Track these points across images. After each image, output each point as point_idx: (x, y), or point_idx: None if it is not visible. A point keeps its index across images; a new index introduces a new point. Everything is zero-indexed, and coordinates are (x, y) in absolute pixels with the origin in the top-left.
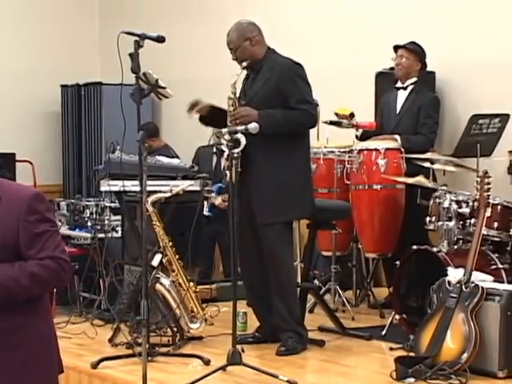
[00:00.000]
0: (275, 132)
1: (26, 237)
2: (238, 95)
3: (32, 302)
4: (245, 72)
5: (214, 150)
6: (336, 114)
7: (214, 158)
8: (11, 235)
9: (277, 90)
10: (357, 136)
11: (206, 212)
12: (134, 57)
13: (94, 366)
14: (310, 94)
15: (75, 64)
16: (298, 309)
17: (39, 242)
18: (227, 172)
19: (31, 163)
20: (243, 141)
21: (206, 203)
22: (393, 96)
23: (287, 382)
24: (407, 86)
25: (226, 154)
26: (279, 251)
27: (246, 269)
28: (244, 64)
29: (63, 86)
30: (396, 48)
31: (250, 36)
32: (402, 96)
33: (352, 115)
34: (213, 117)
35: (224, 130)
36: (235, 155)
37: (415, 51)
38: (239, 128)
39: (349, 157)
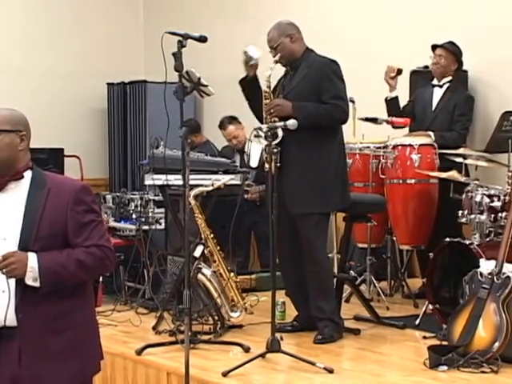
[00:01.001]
0: (307, 124)
1: (73, 226)
2: (275, 91)
3: (78, 288)
4: (281, 68)
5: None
6: (388, 67)
7: (238, 157)
8: (60, 224)
9: (313, 87)
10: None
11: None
12: (177, 56)
13: (139, 352)
14: (344, 91)
15: (121, 63)
16: (334, 298)
17: (86, 230)
18: (266, 165)
19: (79, 158)
20: (280, 133)
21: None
22: (428, 92)
23: (324, 369)
24: (443, 84)
25: (264, 147)
26: (315, 242)
27: (283, 259)
28: (276, 58)
29: (109, 84)
30: (434, 47)
31: (290, 33)
32: (437, 93)
33: (400, 72)
34: (252, 88)
35: (263, 126)
36: (274, 150)
37: (453, 51)
38: (278, 124)
39: (384, 152)
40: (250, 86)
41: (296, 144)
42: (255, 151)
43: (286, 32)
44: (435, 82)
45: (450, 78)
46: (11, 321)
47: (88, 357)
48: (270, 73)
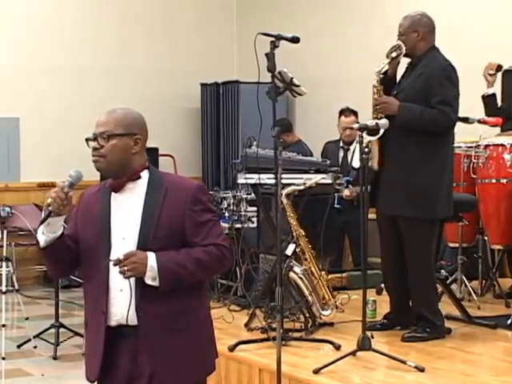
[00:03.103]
0: (409, 126)
1: (191, 225)
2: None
3: (195, 286)
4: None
5: (341, 144)
6: (489, 63)
7: (341, 153)
8: (177, 223)
9: (423, 88)
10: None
11: (335, 204)
12: (270, 56)
13: (231, 349)
14: (454, 97)
15: (214, 63)
16: (433, 298)
17: (204, 230)
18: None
19: (173, 157)
20: (381, 131)
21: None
22: None
23: (415, 367)
24: None
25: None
26: (417, 245)
27: (384, 257)
28: (393, 55)
29: (203, 85)
30: None
31: (419, 30)
32: None
33: (500, 68)
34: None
35: (355, 126)
36: (366, 150)
37: None
38: (369, 123)
39: (475, 152)
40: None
41: (400, 141)
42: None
43: (415, 27)
44: None
45: None
46: (132, 320)
47: (204, 355)
48: (382, 67)
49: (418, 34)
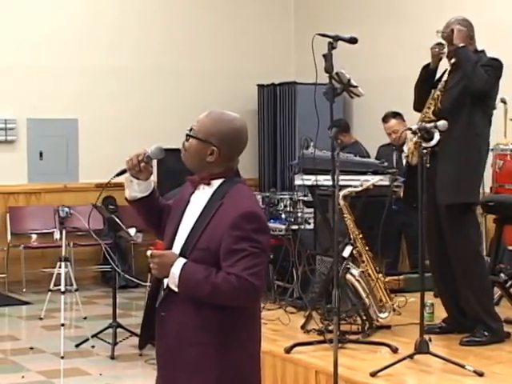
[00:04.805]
0: (465, 64)
1: (224, 248)
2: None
3: (228, 309)
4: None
5: (393, 147)
6: None
7: (395, 155)
8: (215, 242)
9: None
10: None
11: (392, 206)
12: (327, 57)
13: (288, 350)
14: (490, 83)
15: (271, 65)
16: (489, 299)
17: (233, 257)
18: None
19: None
20: (437, 136)
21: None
22: None
23: (474, 372)
24: None
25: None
26: (460, 236)
27: (433, 260)
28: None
29: (260, 86)
30: None
31: (471, 34)
32: None
33: None
34: (429, 78)
35: (414, 127)
36: (424, 151)
37: None
38: (428, 125)
39: None
40: (428, 75)
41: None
42: None
43: (469, 32)
44: None
45: None
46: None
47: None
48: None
49: (471, 39)
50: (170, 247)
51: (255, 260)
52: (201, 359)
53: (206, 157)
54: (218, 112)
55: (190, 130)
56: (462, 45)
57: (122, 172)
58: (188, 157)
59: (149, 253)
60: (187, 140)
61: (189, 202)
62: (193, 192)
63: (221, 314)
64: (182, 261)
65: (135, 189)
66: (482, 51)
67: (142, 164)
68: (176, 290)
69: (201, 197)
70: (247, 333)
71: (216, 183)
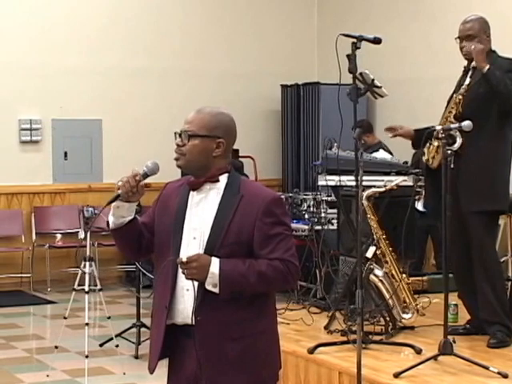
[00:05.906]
0: (494, 81)
1: (260, 236)
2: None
3: (260, 297)
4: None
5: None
6: None
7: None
8: (247, 233)
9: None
10: None
11: (420, 207)
12: (351, 58)
13: (311, 351)
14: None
15: (295, 65)
16: (506, 300)
17: (272, 243)
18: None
19: (253, 159)
20: (459, 140)
21: (421, 198)
22: None
23: (498, 373)
24: None
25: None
26: (486, 241)
27: (455, 261)
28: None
29: (283, 86)
30: None
31: (488, 32)
32: None
33: None
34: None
35: (438, 128)
36: (448, 152)
37: None
38: (453, 126)
39: None
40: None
41: (471, 137)
42: None
43: (486, 30)
44: None
45: None
46: (194, 321)
47: (266, 366)
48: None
49: (488, 36)
50: (177, 254)
51: (290, 242)
52: (244, 353)
53: (213, 151)
54: (208, 107)
55: (181, 133)
56: (486, 68)
57: (115, 198)
58: (191, 159)
59: (184, 259)
60: (184, 145)
61: (186, 202)
62: (187, 194)
63: (255, 305)
64: (217, 259)
65: (123, 214)
66: (494, 51)
67: (141, 184)
68: (215, 290)
69: (208, 196)
70: (275, 318)
71: (222, 179)
